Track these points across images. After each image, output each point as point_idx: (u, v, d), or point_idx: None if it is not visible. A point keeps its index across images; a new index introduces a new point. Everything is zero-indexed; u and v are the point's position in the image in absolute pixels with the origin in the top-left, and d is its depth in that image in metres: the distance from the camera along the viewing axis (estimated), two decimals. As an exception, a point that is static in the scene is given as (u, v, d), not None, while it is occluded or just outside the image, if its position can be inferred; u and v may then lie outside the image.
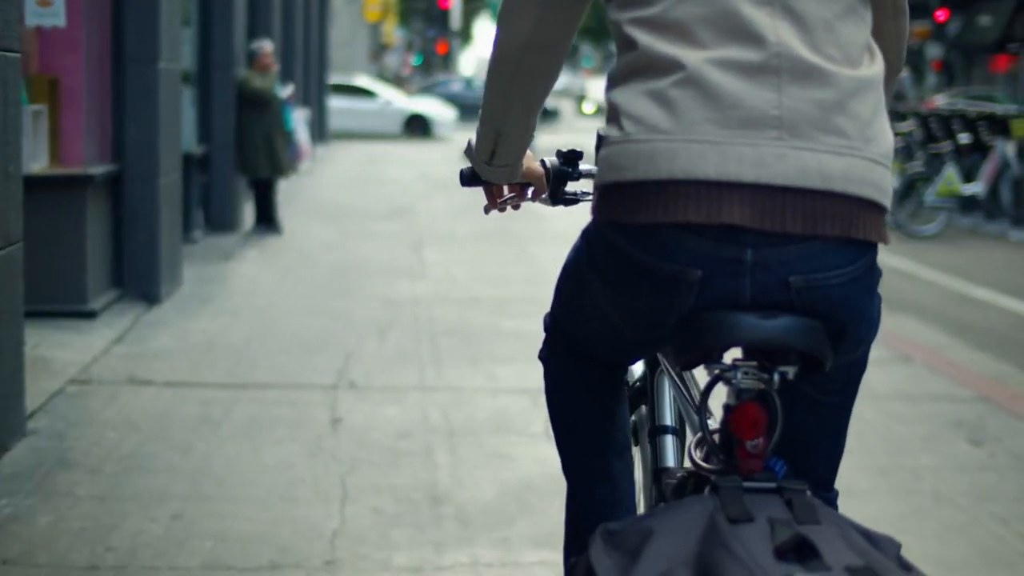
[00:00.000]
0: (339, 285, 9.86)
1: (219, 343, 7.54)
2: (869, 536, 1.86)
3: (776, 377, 2.05)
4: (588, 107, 53.51)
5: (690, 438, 2.41)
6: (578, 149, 2.75)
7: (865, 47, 2.13)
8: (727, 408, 2.08)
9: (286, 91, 13.40)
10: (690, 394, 2.61)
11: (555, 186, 2.75)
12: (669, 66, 2.05)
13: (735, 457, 2.03)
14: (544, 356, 2.60)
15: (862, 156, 2.03)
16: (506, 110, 2.40)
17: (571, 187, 2.81)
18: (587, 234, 2.29)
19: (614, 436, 2.53)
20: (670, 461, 2.67)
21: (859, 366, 2.22)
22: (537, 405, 6.27)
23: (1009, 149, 16.21)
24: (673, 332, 2.13)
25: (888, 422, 6.18)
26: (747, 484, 1.94)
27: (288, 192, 14.17)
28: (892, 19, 2.34)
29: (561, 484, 2.65)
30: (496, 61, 2.34)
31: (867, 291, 2.11)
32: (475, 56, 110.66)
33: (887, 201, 2.09)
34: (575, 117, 54.90)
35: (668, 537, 1.84)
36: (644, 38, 2.10)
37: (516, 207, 2.82)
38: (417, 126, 34.41)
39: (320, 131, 25.22)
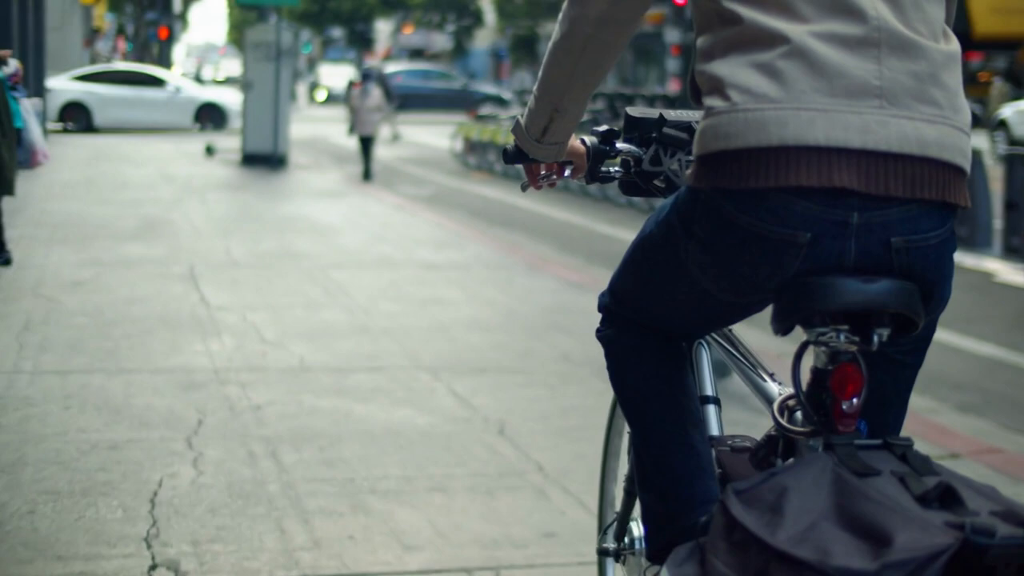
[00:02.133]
0: (105, 351, 7.01)
1: (-61, 484, 4.70)
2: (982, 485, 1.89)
3: (875, 339, 2.11)
4: (320, 95, 50.59)
5: (761, 404, 2.51)
6: (615, 128, 2.74)
7: (942, 26, 2.22)
8: (821, 371, 2.13)
9: (8, 68, 10.30)
10: (749, 362, 2.62)
11: (593, 164, 2.75)
12: (774, 39, 2.11)
13: (830, 417, 2.08)
14: (606, 334, 2.59)
15: (952, 125, 2.12)
16: (569, 85, 2.41)
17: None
18: (681, 203, 2.26)
19: (688, 406, 2.52)
20: (715, 430, 2.63)
21: (933, 325, 2.28)
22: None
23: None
24: (775, 296, 2.17)
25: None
26: (858, 441, 1.98)
27: (6, 203, 11.05)
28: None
29: None
30: (566, 36, 2.35)
31: (952, 253, 2.19)
32: (186, 43, 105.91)
33: (969, 168, 2.17)
34: (307, 105, 51.78)
35: (802, 492, 1.84)
36: (748, 13, 2.15)
37: (552, 185, 2.82)
38: (209, 116, 30.45)
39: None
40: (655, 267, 2.39)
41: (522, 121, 2.58)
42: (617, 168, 2.78)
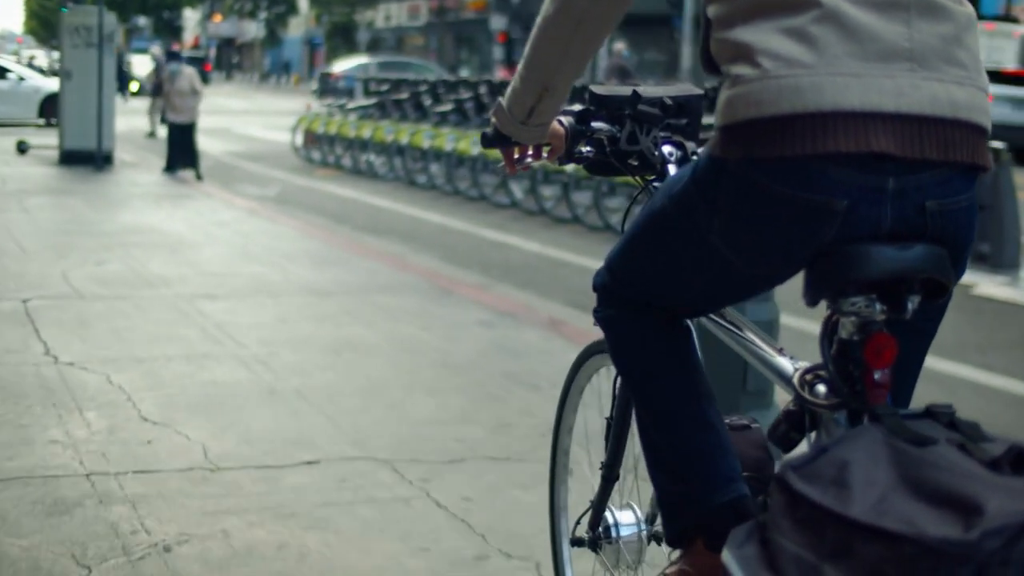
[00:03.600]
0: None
1: None
2: None
3: (909, 306, 2.08)
4: (133, 86, 47.42)
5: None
6: (590, 108, 2.70)
7: None
8: (850, 342, 2.08)
9: None
10: (753, 337, 2.46)
11: (571, 144, 2.70)
12: (804, 3, 2.06)
13: (862, 388, 2.04)
14: (607, 315, 2.51)
15: (977, 86, 2.10)
16: (561, 63, 2.33)
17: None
18: (701, 175, 2.18)
19: (700, 382, 2.44)
20: None
21: (951, 292, 2.23)
22: None
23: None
24: (806, 266, 2.12)
25: None
26: (902, 411, 1.92)
27: None
28: None
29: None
30: (559, 11, 2.27)
31: (976, 216, 2.16)
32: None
33: (990, 129, 2.14)
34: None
35: (863, 465, 1.75)
36: None
37: (526, 168, 2.75)
38: (55, 109, 26.63)
39: None
40: (669, 242, 2.28)
41: (504, 103, 2.51)
42: (589, 148, 2.72)
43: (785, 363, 2.33)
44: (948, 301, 2.24)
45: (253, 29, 78.47)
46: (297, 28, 75.35)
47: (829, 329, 2.11)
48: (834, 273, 2.06)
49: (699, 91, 2.76)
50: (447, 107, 17.00)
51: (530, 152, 2.70)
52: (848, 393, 2.06)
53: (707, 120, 2.33)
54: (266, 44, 76.71)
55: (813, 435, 2.15)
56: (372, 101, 20.15)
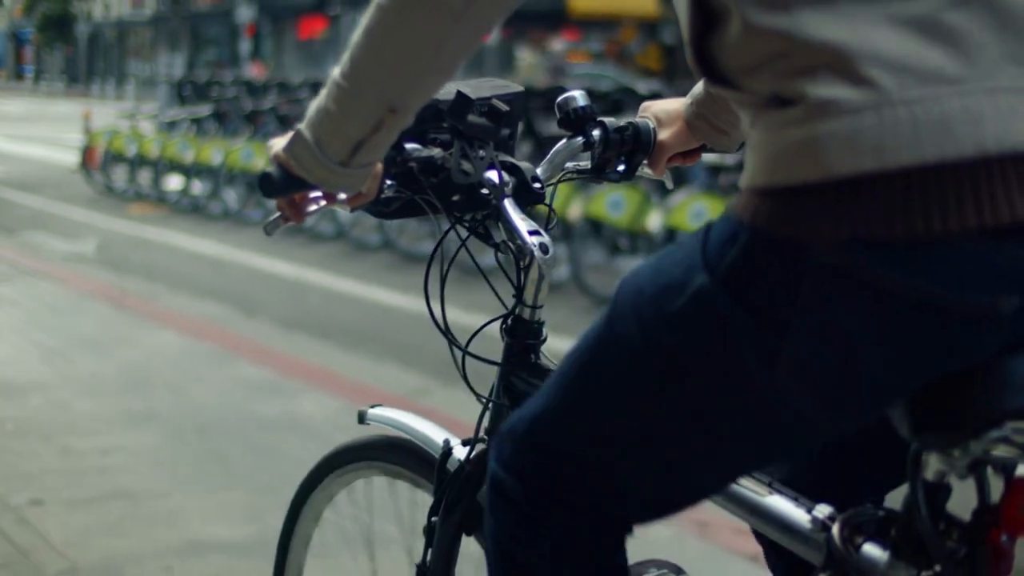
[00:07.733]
0: None
1: None
2: None
3: None
4: None
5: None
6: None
7: None
8: (941, 486, 1.35)
9: None
10: None
11: (383, 181, 1.80)
12: None
13: (975, 556, 1.33)
14: (532, 534, 1.50)
15: None
16: (425, 70, 1.46)
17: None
18: (743, 273, 1.28)
19: None
20: None
21: None
22: None
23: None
24: (919, 397, 1.30)
25: None
26: None
27: None
28: None
29: None
30: (429, 4, 1.40)
31: None
32: None
33: None
34: None
35: None
36: None
37: (303, 219, 1.74)
38: None
39: None
40: (680, 402, 1.36)
41: (308, 134, 1.53)
42: (391, 182, 1.75)
43: (792, 509, 1.48)
44: None
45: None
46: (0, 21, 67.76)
47: (918, 468, 1.35)
48: (989, 401, 1.27)
49: (519, 88, 1.85)
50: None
51: (317, 192, 1.65)
52: (954, 564, 1.32)
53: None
54: (-36, 39, 68.58)
55: None
56: (202, 112, 14.55)
